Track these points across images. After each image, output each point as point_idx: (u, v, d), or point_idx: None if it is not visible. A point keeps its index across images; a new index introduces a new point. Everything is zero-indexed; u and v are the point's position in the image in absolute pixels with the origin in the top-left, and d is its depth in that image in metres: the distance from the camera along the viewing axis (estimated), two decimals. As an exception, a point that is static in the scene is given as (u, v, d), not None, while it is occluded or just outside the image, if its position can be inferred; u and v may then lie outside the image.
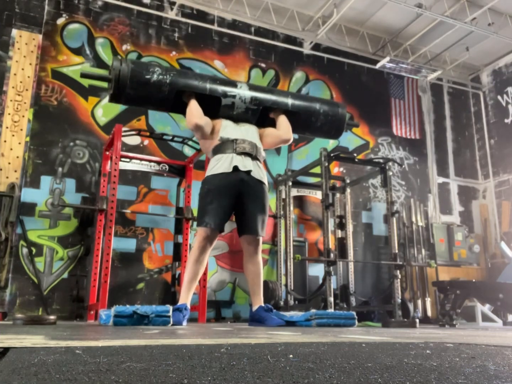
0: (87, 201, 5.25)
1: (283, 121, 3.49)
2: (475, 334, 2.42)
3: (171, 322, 2.88)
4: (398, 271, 5.25)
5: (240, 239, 3.32)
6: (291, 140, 3.53)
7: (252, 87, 3.52)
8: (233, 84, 3.47)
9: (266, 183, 3.34)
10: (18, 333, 1.85)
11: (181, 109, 3.39)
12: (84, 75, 3.41)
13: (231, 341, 1.36)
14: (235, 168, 3.15)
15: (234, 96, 3.38)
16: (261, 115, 3.51)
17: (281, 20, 7.04)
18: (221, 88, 3.38)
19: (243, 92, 3.42)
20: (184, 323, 3.07)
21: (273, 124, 3.56)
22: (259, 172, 3.27)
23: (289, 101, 3.57)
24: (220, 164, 3.18)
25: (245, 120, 3.46)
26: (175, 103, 3.33)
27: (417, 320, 4.26)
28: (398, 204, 7.14)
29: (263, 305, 3.23)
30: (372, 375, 0.73)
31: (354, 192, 6.89)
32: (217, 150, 3.26)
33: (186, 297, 3.15)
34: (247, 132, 3.37)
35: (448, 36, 7.23)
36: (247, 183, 3.19)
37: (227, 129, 3.33)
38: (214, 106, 3.38)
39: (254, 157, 3.26)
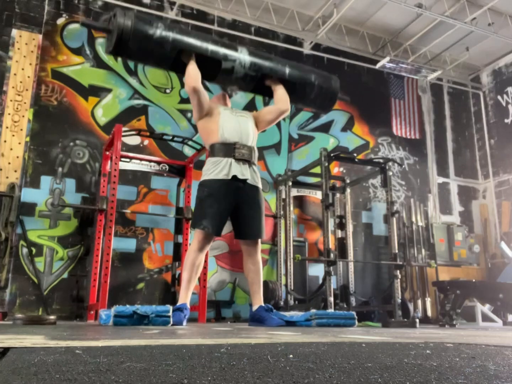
0: (87, 201, 5.25)
1: (281, 92, 3.54)
2: (475, 334, 2.42)
3: (172, 322, 2.89)
4: (398, 271, 5.25)
5: (239, 241, 3.36)
6: (289, 111, 3.60)
7: (252, 53, 3.57)
8: (233, 47, 3.50)
9: (260, 186, 3.39)
10: (18, 333, 1.85)
11: (181, 69, 3.37)
12: (84, 24, 3.39)
13: (231, 341, 1.36)
14: (234, 176, 3.18)
15: (234, 61, 3.41)
16: (257, 82, 3.56)
17: (281, 20, 7.03)
18: (222, 51, 3.40)
19: (243, 56, 3.45)
20: (184, 323, 3.08)
21: (269, 93, 3.63)
22: (254, 178, 3.32)
23: (287, 70, 3.63)
24: (218, 170, 3.19)
25: (241, 88, 3.63)
26: (175, 61, 3.32)
27: (417, 320, 4.25)
28: (398, 204, 7.14)
29: (263, 305, 3.24)
30: (372, 375, 0.73)
31: (354, 192, 6.89)
32: (216, 151, 3.26)
33: (185, 296, 3.17)
34: (245, 124, 3.35)
35: (448, 36, 7.23)
36: (244, 190, 3.24)
37: (225, 123, 3.29)
38: (214, 69, 3.41)
39: (252, 163, 3.30)
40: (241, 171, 3.21)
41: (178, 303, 3.17)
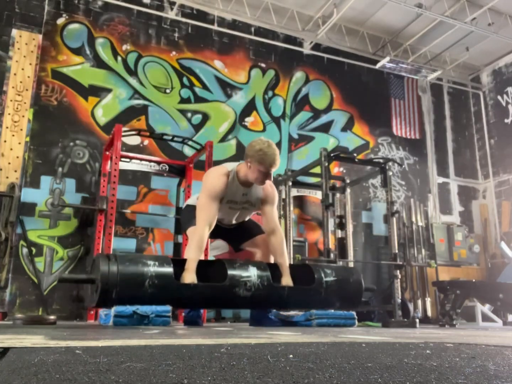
0: (87, 201, 5.26)
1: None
2: (475, 334, 2.42)
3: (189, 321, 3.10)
4: (398, 271, 5.24)
5: (246, 249, 3.50)
6: None
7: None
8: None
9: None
10: (18, 333, 1.85)
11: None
12: (63, 280, 2.91)
13: (231, 341, 1.36)
14: None
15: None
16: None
17: (281, 20, 7.03)
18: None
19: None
20: (201, 323, 3.30)
21: None
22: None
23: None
24: None
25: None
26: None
27: (417, 320, 4.26)
28: (398, 204, 7.14)
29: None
30: (372, 375, 0.73)
31: (354, 192, 6.89)
32: None
33: None
34: (241, 217, 3.37)
35: (448, 36, 7.23)
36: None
37: (220, 215, 3.26)
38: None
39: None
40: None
41: None
